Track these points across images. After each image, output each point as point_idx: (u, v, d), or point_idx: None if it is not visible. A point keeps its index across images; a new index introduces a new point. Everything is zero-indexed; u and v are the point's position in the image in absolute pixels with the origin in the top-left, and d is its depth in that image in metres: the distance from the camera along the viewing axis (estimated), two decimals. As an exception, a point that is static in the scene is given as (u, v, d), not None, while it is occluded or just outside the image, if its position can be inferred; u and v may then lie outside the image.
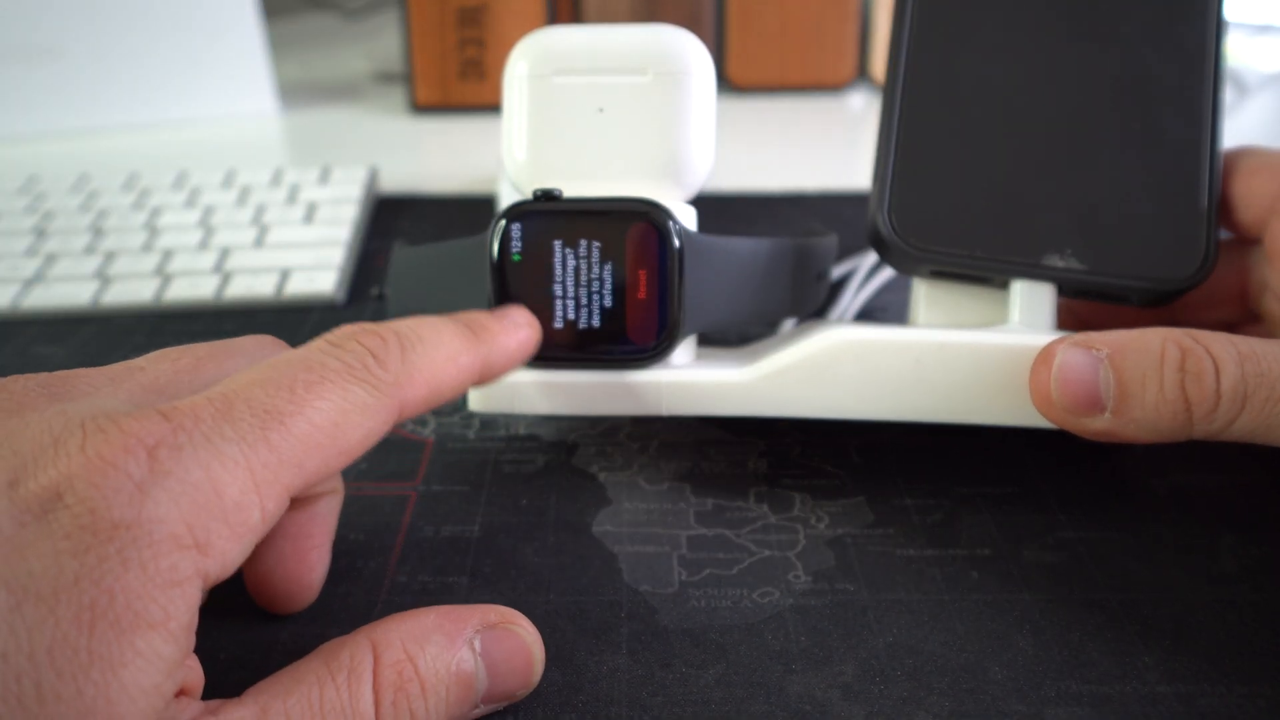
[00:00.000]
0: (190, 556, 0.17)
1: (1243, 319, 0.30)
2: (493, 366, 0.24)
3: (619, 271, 0.26)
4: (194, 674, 0.18)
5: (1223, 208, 0.29)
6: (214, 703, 0.18)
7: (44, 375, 0.20)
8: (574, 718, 0.22)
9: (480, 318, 0.24)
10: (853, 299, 0.38)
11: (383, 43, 0.74)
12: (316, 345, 0.21)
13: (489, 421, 0.32)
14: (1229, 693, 0.22)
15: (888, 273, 0.39)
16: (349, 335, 0.21)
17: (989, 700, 0.22)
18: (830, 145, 0.55)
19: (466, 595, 0.25)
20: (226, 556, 0.18)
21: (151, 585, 0.16)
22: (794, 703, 0.22)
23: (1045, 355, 0.25)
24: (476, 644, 0.21)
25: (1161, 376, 0.24)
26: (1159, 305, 0.28)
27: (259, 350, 0.23)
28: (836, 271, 0.39)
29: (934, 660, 0.23)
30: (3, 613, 0.15)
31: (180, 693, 0.18)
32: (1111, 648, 0.23)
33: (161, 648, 0.16)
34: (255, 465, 0.18)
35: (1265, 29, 0.67)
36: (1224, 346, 0.24)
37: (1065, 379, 0.24)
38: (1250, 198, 0.28)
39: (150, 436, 0.17)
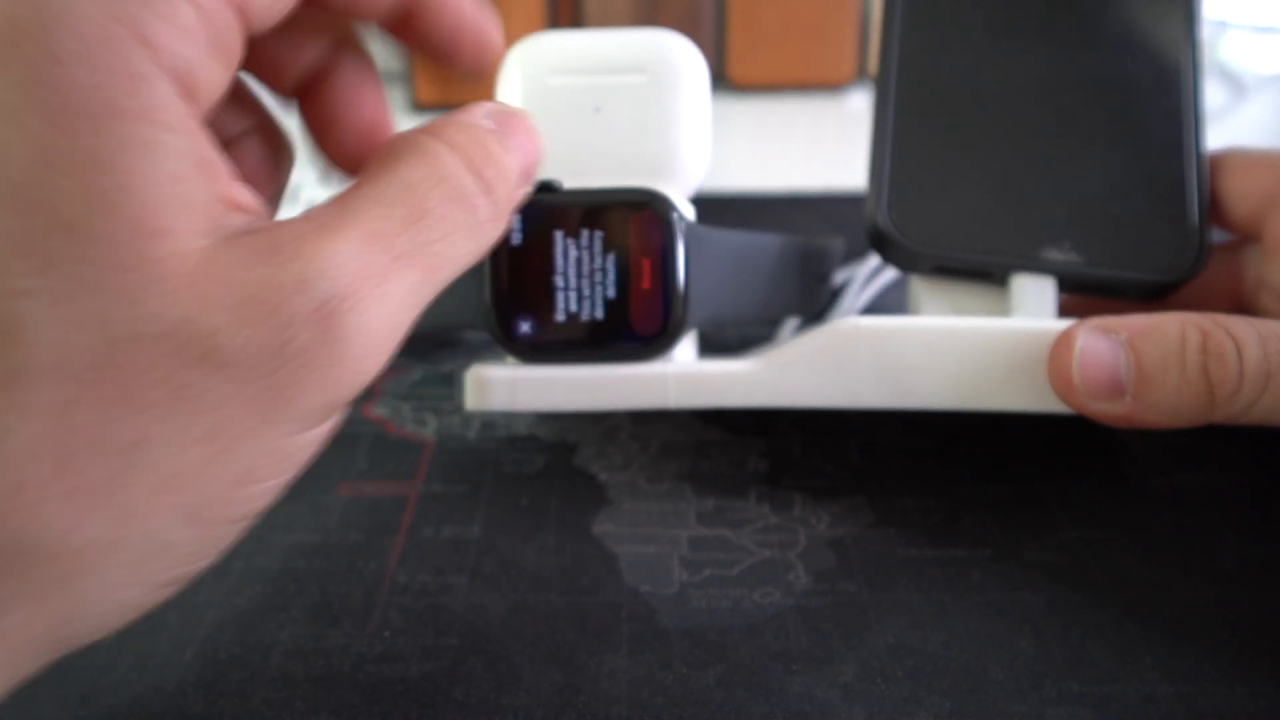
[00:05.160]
0: (135, 49, 0.15)
1: None
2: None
3: (622, 262, 0.26)
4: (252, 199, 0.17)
5: (1216, 205, 0.29)
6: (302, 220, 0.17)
7: None
8: (574, 718, 0.22)
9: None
10: (854, 299, 0.38)
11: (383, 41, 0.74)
12: None
13: (489, 421, 0.32)
14: (1229, 693, 0.22)
15: (886, 277, 0.39)
16: None
17: (989, 700, 0.22)
18: (831, 144, 0.55)
19: (466, 595, 0.25)
20: (181, 57, 0.16)
21: (108, 77, 0.15)
22: (794, 703, 0.22)
23: (1065, 340, 0.25)
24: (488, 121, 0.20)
25: (1183, 359, 0.24)
26: (1156, 298, 0.28)
27: None
28: (835, 278, 0.39)
29: (935, 660, 0.23)
30: None
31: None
32: (1112, 648, 0.23)
33: (160, 136, 0.15)
34: None
35: (1265, 29, 0.67)
36: (1244, 327, 0.24)
37: (1087, 363, 0.24)
38: (1244, 193, 0.28)
39: None
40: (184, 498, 0.15)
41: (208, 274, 0.15)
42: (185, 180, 0.15)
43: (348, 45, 0.23)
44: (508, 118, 0.21)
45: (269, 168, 0.22)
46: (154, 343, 0.15)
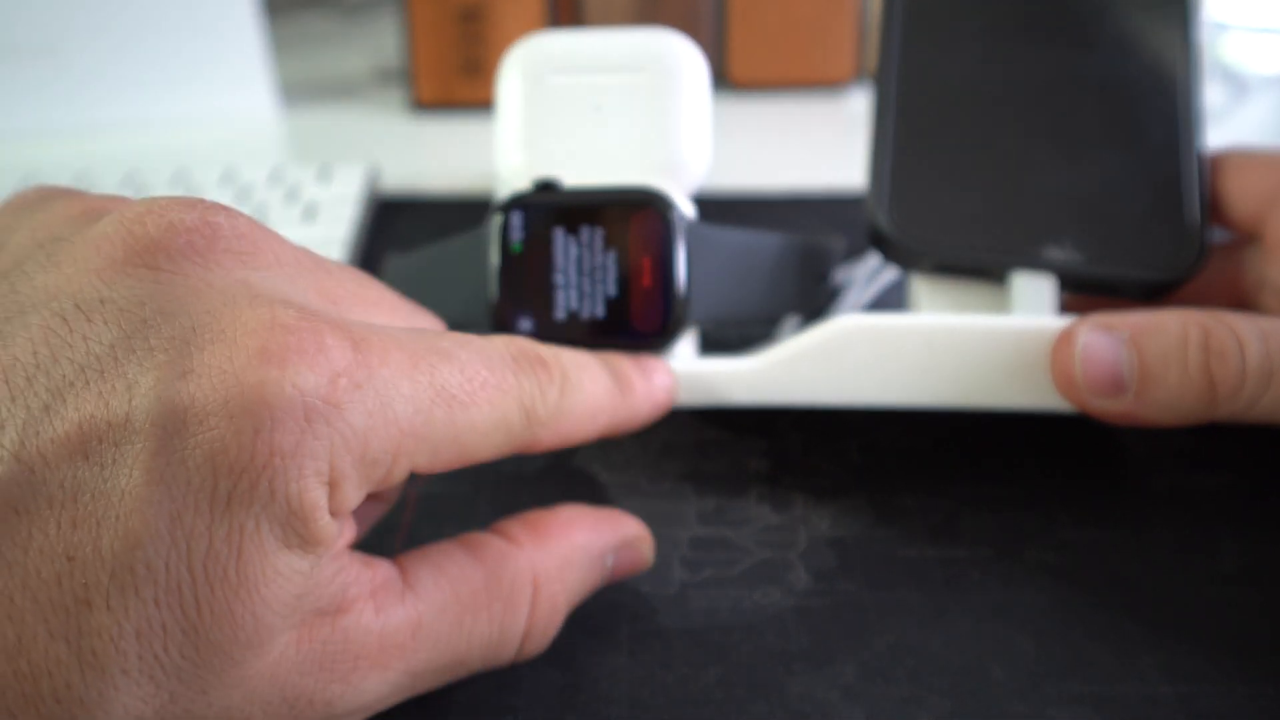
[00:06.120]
0: (324, 493, 0.17)
1: None
2: (618, 429, 0.24)
3: (622, 259, 0.26)
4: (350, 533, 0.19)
5: (1216, 205, 0.29)
6: (375, 582, 0.19)
7: (245, 221, 0.19)
8: (574, 718, 0.22)
9: (628, 370, 0.24)
10: (855, 299, 0.38)
11: (383, 40, 0.74)
12: (499, 347, 0.21)
13: (489, 421, 0.32)
14: (1229, 693, 0.22)
15: (886, 277, 0.39)
16: (529, 357, 0.21)
17: (990, 701, 0.22)
18: (831, 144, 0.55)
19: (467, 595, 0.25)
20: (347, 500, 0.18)
21: (291, 515, 0.16)
22: (794, 703, 0.22)
23: (1067, 337, 0.25)
24: (609, 561, 0.22)
25: (1185, 356, 0.24)
26: (1156, 297, 0.29)
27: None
28: (835, 278, 0.39)
29: (935, 661, 0.23)
30: (163, 515, 0.16)
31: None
32: (1112, 648, 0.23)
33: (298, 563, 0.17)
34: (407, 432, 0.18)
35: (1265, 29, 0.67)
36: (1247, 324, 0.24)
37: (1089, 359, 0.24)
38: (1245, 193, 0.28)
39: (340, 360, 0.17)
40: None
41: (266, 676, 0.17)
42: (304, 596, 0.17)
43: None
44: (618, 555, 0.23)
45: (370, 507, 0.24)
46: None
